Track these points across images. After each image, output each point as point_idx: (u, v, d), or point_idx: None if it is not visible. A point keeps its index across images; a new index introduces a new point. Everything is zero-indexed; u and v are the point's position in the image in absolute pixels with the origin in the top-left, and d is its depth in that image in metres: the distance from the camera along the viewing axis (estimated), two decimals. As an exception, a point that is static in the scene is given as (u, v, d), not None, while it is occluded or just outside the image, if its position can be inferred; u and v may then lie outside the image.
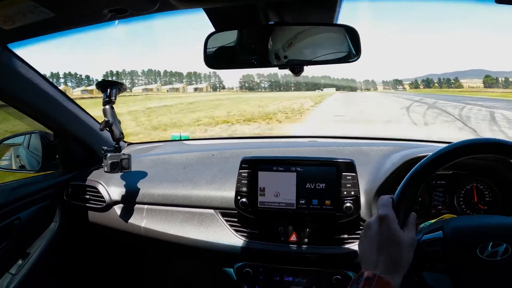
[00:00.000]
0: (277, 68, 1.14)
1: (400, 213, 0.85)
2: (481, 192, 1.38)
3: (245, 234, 1.35)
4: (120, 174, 1.51)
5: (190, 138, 1.90)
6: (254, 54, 1.12)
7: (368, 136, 1.84)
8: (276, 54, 1.10)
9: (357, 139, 1.84)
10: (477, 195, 1.39)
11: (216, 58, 1.13)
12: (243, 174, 1.31)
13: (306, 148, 1.56)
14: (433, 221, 1.00)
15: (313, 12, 1.16)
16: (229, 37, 1.13)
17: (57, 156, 1.65)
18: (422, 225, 1.00)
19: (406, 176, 0.88)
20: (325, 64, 1.11)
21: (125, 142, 1.86)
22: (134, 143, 1.89)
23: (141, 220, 1.46)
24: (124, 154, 1.41)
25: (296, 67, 1.18)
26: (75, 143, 1.59)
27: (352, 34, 1.04)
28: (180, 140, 1.89)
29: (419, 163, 0.88)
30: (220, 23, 1.14)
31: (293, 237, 1.31)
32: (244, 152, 1.53)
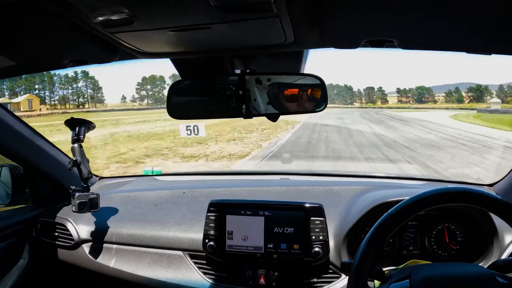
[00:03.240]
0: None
1: (367, 264, 0.86)
2: (453, 232, 1.38)
3: (214, 277, 1.33)
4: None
5: (162, 173, 1.87)
6: (223, 104, 1.10)
7: (340, 173, 1.83)
8: (246, 103, 1.08)
9: (329, 176, 1.83)
10: (449, 235, 1.39)
11: (182, 108, 1.11)
12: (211, 218, 1.30)
13: (278, 188, 1.55)
14: (400, 266, 0.99)
15: (281, 61, 1.16)
16: (196, 86, 1.12)
17: (26, 190, 1.62)
18: (388, 271, 0.99)
19: (373, 227, 0.89)
20: (296, 114, 1.10)
21: (97, 176, 1.84)
22: (105, 177, 1.87)
23: (110, 260, 1.43)
24: (92, 193, 1.39)
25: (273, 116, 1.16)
26: (44, 179, 1.57)
27: (320, 83, 1.04)
28: (152, 175, 1.86)
29: (385, 214, 0.89)
30: (186, 71, 1.13)
31: (261, 281, 1.29)
32: (214, 192, 1.52)
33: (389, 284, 0.87)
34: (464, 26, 0.78)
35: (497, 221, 1.28)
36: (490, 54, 0.97)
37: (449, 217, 1.38)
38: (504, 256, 1.28)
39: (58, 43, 0.89)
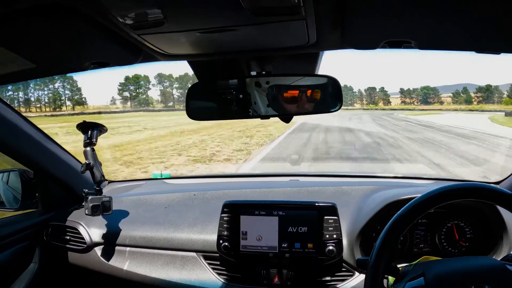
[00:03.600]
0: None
1: (383, 261, 0.88)
2: (462, 229, 1.41)
3: (228, 278, 1.34)
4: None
5: (171, 176, 1.88)
6: (239, 105, 1.12)
7: (349, 174, 1.85)
8: (262, 104, 1.10)
9: (338, 177, 1.85)
10: (458, 232, 1.41)
11: (200, 110, 1.13)
12: (225, 218, 1.31)
13: (288, 189, 1.57)
14: (413, 263, 1.01)
15: (295, 62, 1.18)
16: (213, 88, 1.14)
17: (36, 194, 1.62)
18: (402, 268, 1.00)
19: (387, 226, 0.91)
20: (310, 114, 1.12)
21: (106, 180, 1.84)
22: (115, 181, 1.87)
23: (123, 262, 1.43)
24: (105, 196, 1.40)
25: (287, 117, 1.18)
26: (55, 183, 1.57)
27: (334, 84, 1.06)
28: (161, 178, 1.87)
29: (398, 212, 0.91)
30: (203, 74, 1.15)
31: (276, 280, 1.30)
32: (225, 194, 1.53)
33: (405, 283, 0.89)
34: (480, 26, 0.80)
35: (506, 216, 1.31)
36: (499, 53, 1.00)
37: (458, 214, 1.40)
38: None
39: (82, 44, 0.89)
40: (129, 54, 0.94)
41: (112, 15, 0.70)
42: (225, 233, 1.30)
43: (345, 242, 1.29)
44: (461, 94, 40.85)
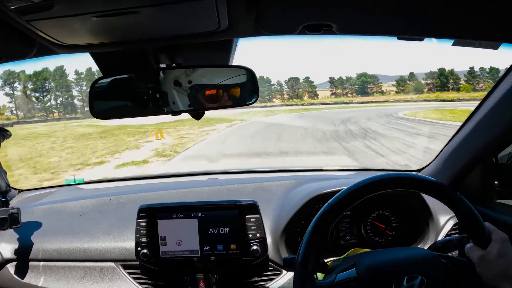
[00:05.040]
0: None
1: (311, 258, 0.83)
2: (387, 218, 1.39)
3: (151, 287, 1.25)
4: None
5: (85, 181, 1.74)
6: (150, 101, 1.02)
7: (269, 169, 1.79)
8: (173, 99, 1.01)
9: (258, 173, 1.79)
10: (384, 221, 1.39)
11: (106, 106, 1.02)
12: (141, 224, 1.21)
13: (207, 188, 1.48)
14: (342, 257, 0.97)
15: (207, 53, 1.09)
16: (119, 83, 1.03)
17: None
18: (331, 263, 0.96)
19: (312, 222, 0.85)
20: (226, 109, 1.04)
21: (16, 189, 1.69)
22: (25, 190, 1.71)
23: (38, 278, 1.31)
24: (12, 208, 1.26)
25: (196, 113, 1.09)
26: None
27: (249, 75, 0.99)
28: (75, 184, 1.73)
29: (323, 208, 0.86)
30: (107, 68, 1.04)
31: (201, 285, 1.22)
32: (141, 197, 1.43)
33: (336, 275, 0.86)
34: (402, 11, 0.74)
35: (431, 203, 1.29)
36: (421, 40, 0.95)
37: (382, 203, 1.38)
38: (440, 237, 1.29)
39: None
40: (22, 46, 0.82)
41: None
42: (143, 239, 1.21)
43: (269, 240, 1.24)
44: (408, 82, 33.96)
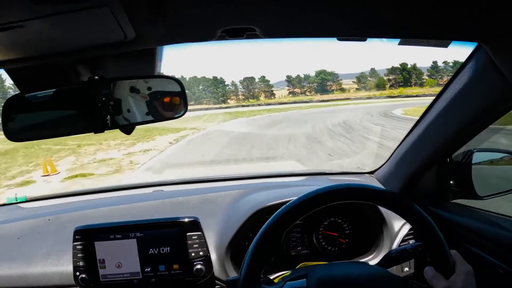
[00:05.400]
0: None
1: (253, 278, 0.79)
2: (340, 226, 1.34)
3: None
4: None
5: (27, 199, 1.64)
6: (71, 118, 0.94)
7: (215, 178, 1.71)
8: (98, 115, 0.93)
9: (203, 182, 1.71)
10: (337, 229, 1.35)
11: (23, 127, 0.94)
12: (78, 247, 1.14)
13: (151, 202, 1.41)
14: (288, 273, 0.93)
15: (130, 63, 1.02)
16: (39, 100, 0.95)
17: None
18: (280, 279, 0.92)
19: (254, 240, 0.82)
20: (155, 122, 0.97)
21: None
22: None
23: None
24: None
25: (126, 128, 1.02)
26: None
27: (181, 87, 0.93)
28: (16, 203, 1.63)
29: (266, 224, 0.82)
30: (25, 83, 0.95)
31: None
32: (82, 215, 1.35)
33: (284, 282, 0.82)
34: (335, 10, 0.69)
35: (384, 209, 1.24)
36: (364, 41, 0.90)
37: (334, 211, 1.33)
38: (395, 244, 1.25)
39: None
40: None
41: None
42: (81, 263, 1.14)
43: (214, 257, 1.18)
44: (369, 78, 32.36)
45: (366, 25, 0.80)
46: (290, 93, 31.77)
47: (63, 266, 1.21)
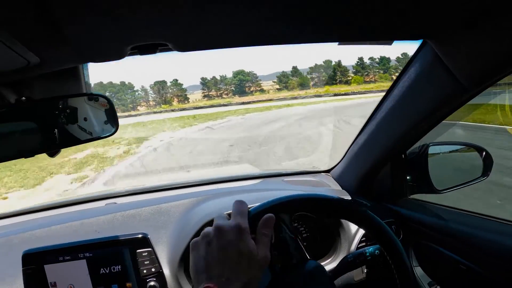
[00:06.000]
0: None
1: None
2: (297, 229, 1.33)
3: None
4: None
5: None
6: (10, 144, 0.91)
7: (167, 186, 1.67)
8: (43, 135, 0.90)
9: (156, 191, 1.67)
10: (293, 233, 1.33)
11: None
12: (27, 272, 1.12)
13: (102, 217, 1.36)
14: None
15: (57, 83, 0.99)
16: None
17: None
18: None
19: None
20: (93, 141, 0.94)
21: None
22: None
23: None
24: None
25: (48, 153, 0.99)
26: None
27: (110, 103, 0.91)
28: None
29: None
30: None
31: None
32: (32, 236, 1.31)
33: None
34: (249, 17, 0.66)
35: None
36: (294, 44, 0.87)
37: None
38: (353, 247, 1.24)
39: None
40: None
41: None
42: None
43: (167, 272, 1.16)
44: (291, 77, 30.18)
45: (304, 29, 0.77)
46: (205, 96, 29.63)
47: None
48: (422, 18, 0.74)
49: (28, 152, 0.89)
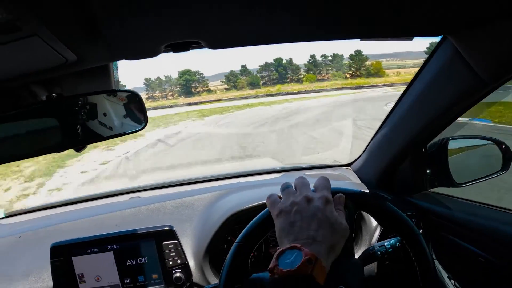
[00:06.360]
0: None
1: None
2: None
3: None
4: None
5: (6, 215, 1.62)
6: (39, 140, 0.93)
7: (191, 180, 1.68)
8: (67, 131, 0.92)
9: (180, 185, 1.68)
10: None
11: None
12: (56, 264, 1.14)
13: (127, 211, 1.39)
14: None
15: (86, 80, 1.01)
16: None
17: None
18: None
19: (230, 251, 0.80)
20: (118, 137, 0.96)
21: None
22: None
23: None
24: None
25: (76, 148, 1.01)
26: None
27: (136, 100, 0.92)
28: None
29: (236, 241, 0.81)
30: None
31: None
32: (58, 230, 1.34)
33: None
34: (278, 18, 0.68)
35: None
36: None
37: None
38: (374, 240, 1.25)
39: None
40: None
41: None
42: (60, 279, 1.14)
43: (192, 264, 1.18)
44: (240, 76, 28.93)
45: (328, 26, 0.79)
46: (149, 97, 28.23)
47: (44, 283, 1.20)
48: (443, 15, 0.75)
49: (56, 148, 0.91)
